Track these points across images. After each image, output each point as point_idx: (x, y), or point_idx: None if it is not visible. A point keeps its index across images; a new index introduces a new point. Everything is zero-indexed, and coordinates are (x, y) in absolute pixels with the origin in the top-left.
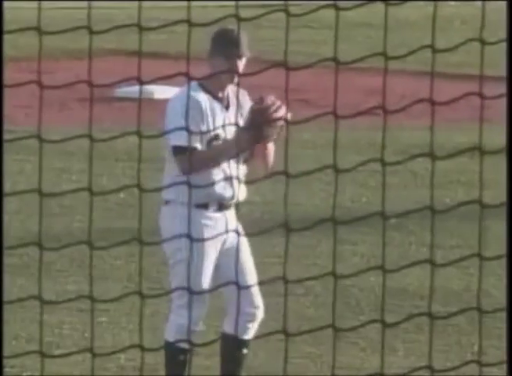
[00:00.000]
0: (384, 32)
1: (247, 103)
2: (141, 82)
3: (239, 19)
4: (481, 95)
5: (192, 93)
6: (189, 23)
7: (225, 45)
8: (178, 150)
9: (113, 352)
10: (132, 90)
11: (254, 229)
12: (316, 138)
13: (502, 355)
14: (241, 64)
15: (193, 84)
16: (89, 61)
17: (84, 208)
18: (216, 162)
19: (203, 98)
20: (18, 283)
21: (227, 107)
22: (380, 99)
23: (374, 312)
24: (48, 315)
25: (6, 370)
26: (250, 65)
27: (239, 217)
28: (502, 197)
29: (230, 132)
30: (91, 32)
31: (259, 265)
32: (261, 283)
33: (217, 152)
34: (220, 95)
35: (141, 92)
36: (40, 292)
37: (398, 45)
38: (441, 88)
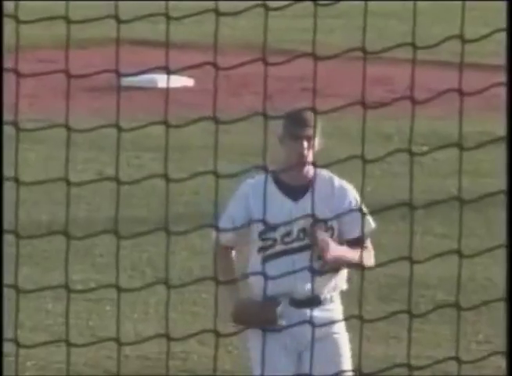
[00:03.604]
0: (391, 21)
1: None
2: (168, 71)
3: (267, 9)
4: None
5: (255, 183)
6: (217, 12)
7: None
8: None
9: (137, 342)
10: (137, 79)
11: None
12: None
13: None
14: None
15: (266, 176)
16: (116, 50)
17: (89, 198)
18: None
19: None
20: (23, 272)
21: (306, 188)
22: (386, 88)
23: (379, 301)
24: (53, 304)
25: (10, 359)
26: (257, 55)
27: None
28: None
29: (299, 224)
30: (119, 22)
31: None
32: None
33: (221, 271)
34: (292, 183)
35: (168, 80)
36: (67, 281)
37: (406, 33)
38: (451, 78)
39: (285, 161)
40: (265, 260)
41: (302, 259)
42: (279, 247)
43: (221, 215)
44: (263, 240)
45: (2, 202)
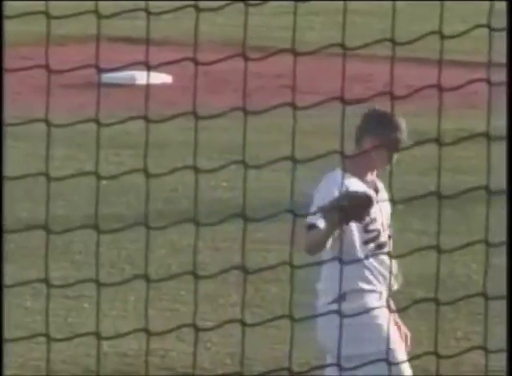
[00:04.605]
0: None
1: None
2: (148, 68)
3: (247, 5)
4: (488, 82)
5: (339, 179)
6: (197, 8)
7: (383, 127)
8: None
9: (116, 337)
10: (115, 76)
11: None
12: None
13: (485, 340)
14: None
15: (338, 171)
16: (96, 45)
17: (67, 195)
18: (322, 242)
19: (351, 182)
20: (6, 270)
21: (376, 191)
22: (365, 85)
23: None
24: (32, 301)
25: None
26: (235, 52)
27: None
28: (491, 183)
29: (383, 219)
30: (99, 17)
31: (241, 251)
32: (264, 269)
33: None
34: (368, 178)
35: (148, 76)
36: (47, 276)
37: (384, 31)
38: (429, 75)
39: (366, 162)
40: (373, 252)
41: (386, 254)
42: (380, 239)
43: (311, 211)
44: (368, 231)
45: (2, 201)
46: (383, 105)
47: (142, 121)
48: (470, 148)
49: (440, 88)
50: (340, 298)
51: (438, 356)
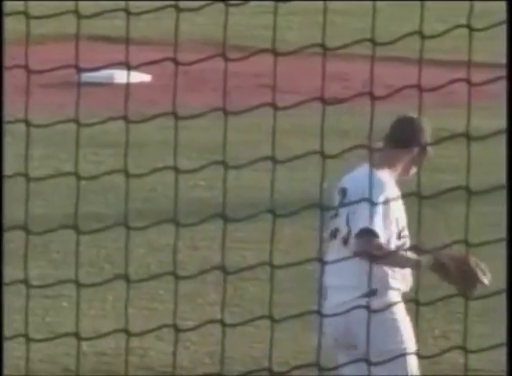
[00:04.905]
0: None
1: None
2: (128, 67)
3: (227, 5)
4: (468, 82)
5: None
6: (177, 8)
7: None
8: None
9: (97, 337)
10: (94, 75)
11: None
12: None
13: (464, 340)
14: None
15: (367, 167)
16: (76, 45)
17: (46, 195)
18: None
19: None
20: None
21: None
22: (342, 84)
23: None
24: (10, 300)
25: None
26: (215, 51)
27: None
28: (465, 182)
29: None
30: (79, 17)
31: (220, 250)
32: (244, 269)
33: (399, 258)
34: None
35: (128, 76)
36: (26, 277)
37: (363, 30)
38: (407, 74)
39: (403, 165)
40: None
41: None
42: (407, 244)
43: (370, 213)
44: (401, 238)
45: (3, 202)
46: (363, 104)
47: (121, 121)
48: (449, 147)
49: (420, 88)
50: (371, 293)
51: (419, 356)
